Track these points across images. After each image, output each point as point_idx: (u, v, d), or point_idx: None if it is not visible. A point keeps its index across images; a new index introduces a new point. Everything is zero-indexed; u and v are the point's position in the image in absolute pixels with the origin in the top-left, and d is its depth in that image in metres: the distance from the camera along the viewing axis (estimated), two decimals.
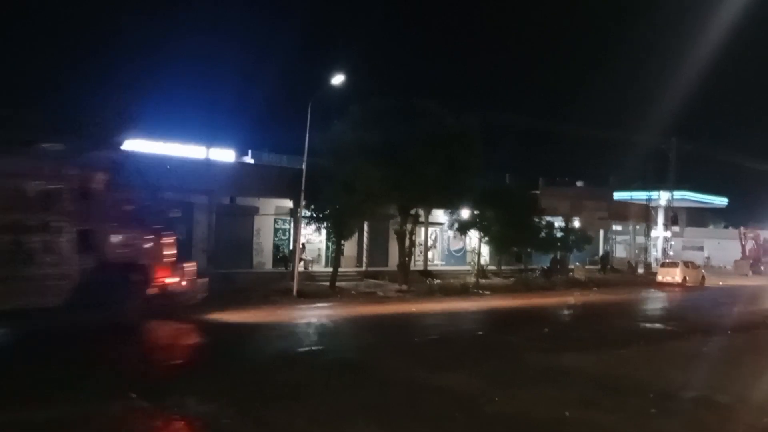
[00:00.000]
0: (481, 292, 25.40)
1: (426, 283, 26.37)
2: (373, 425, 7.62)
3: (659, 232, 45.00)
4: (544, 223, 31.60)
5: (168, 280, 13.71)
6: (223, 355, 11.64)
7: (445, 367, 10.89)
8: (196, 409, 7.97)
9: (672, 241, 46.03)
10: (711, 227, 59.72)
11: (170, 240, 14.00)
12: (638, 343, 14.28)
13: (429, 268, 30.74)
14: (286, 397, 8.69)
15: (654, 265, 40.97)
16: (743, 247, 48.84)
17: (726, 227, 58.45)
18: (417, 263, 30.24)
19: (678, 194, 43.96)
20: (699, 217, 56.83)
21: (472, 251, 32.13)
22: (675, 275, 33.33)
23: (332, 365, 11.02)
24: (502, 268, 33.18)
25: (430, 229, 33.36)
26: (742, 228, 50.58)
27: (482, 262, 30.77)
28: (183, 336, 13.62)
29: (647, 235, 45.67)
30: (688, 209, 51.70)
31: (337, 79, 21.82)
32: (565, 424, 7.87)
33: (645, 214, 45.26)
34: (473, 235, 30.46)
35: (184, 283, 14.07)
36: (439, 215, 31.88)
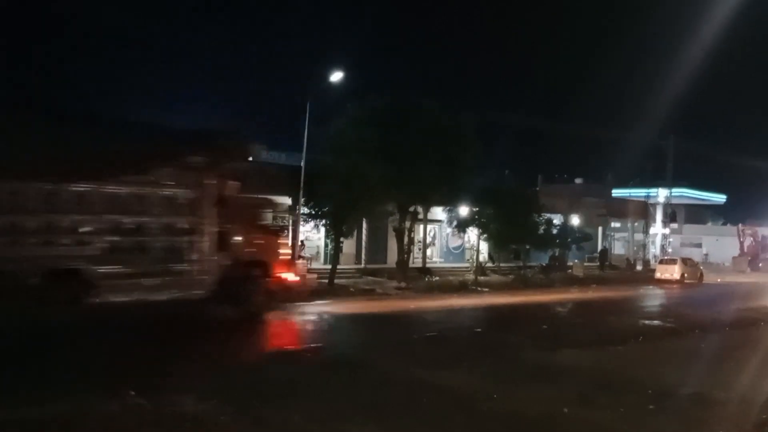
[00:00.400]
0: (479, 289, 25.43)
1: (424, 280, 26.41)
2: (371, 424, 7.63)
3: (658, 229, 45.03)
4: (542, 220, 31.63)
5: (284, 275, 16.10)
6: (218, 350, 11.64)
7: (444, 365, 10.91)
8: (193, 407, 7.97)
9: (670, 238, 46.05)
10: (709, 224, 59.79)
11: (285, 240, 16.92)
12: (636, 340, 14.31)
13: (427, 265, 30.77)
14: (284, 395, 8.70)
15: (652, 261, 41.02)
16: (741, 243, 48.91)
17: (724, 224, 58.53)
18: (416, 260, 30.26)
19: (676, 191, 44.00)
20: (697, 214, 56.89)
21: (471, 248, 32.14)
22: (673, 272, 33.40)
23: (330, 363, 11.03)
24: (501, 265, 33.21)
25: (429, 227, 33.38)
26: (740, 225, 50.65)
27: (481, 259, 30.79)
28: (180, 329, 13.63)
29: (646, 232, 45.69)
30: (687, 206, 51.76)
31: (336, 77, 21.83)
32: (563, 422, 7.89)
33: (643, 211, 45.30)
34: (472, 233, 30.48)
35: (297, 277, 16.81)
36: (438, 212, 31.89)
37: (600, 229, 45.46)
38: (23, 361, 9.71)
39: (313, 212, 24.26)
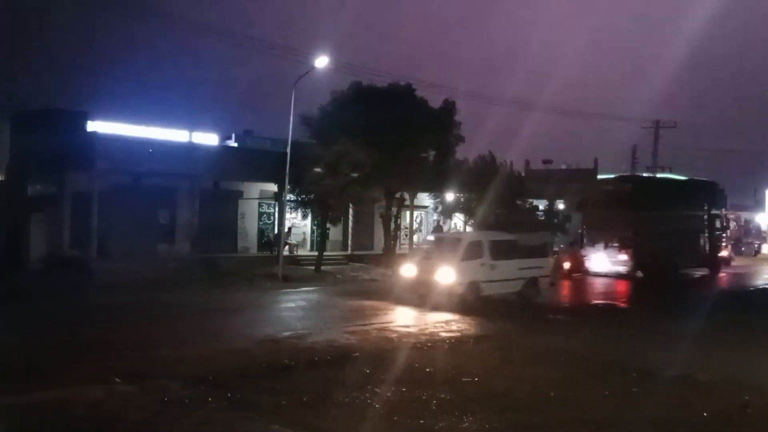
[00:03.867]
0: None
1: None
2: (357, 405, 7.66)
3: None
4: (528, 205, 31.71)
5: (721, 254, 30.09)
6: (205, 336, 11.61)
7: (429, 348, 10.94)
8: (180, 393, 7.93)
9: None
10: None
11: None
12: (622, 323, 14.44)
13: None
14: (273, 380, 8.69)
15: None
16: None
17: None
18: (403, 246, 30.26)
19: (661, 177, 44.25)
20: None
21: None
22: None
23: (318, 348, 11.03)
24: None
25: (416, 213, 33.37)
26: (723, 210, 51.11)
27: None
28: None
29: None
30: None
31: (321, 62, 21.66)
32: (549, 403, 7.94)
33: None
34: (458, 218, 30.49)
35: (726, 253, 31.21)
36: (425, 199, 31.89)
37: None
38: None
39: (300, 198, 24.17)
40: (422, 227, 35.92)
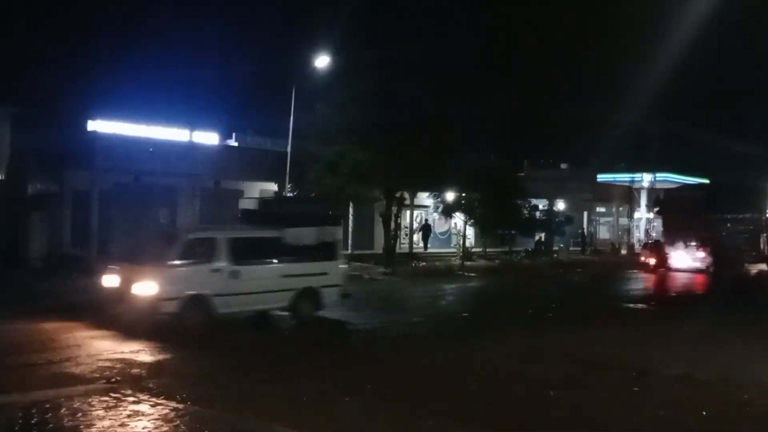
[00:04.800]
0: (465, 274, 25.49)
1: (411, 265, 26.42)
2: (358, 402, 7.68)
3: (642, 213, 45.38)
4: (528, 205, 31.75)
5: None
6: (208, 337, 11.63)
7: (430, 348, 10.96)
8: (181, 392, 7.94)
9: (654, 223, 46.37)
10: None
11: None
12: (621, 323, 14.45)
13: (414, 251, 30.72)
14: (273, 377, 8.72)
15: (637, 246, 41.33)
16: None
17: None
18: (402, 246, 30.27)
19: (660, 176, 44.35)
20: None
21: (458, 234, 32.21)
22: None
23: (319, 345, 11.06)
24: (487, 250, 33.30)
25: (416, 212, 33.39)
26: None
27: (467, 244, 30.85)
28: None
29: (630, 216, 46.02)
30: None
31: (322, 61, 21.68)
32: (548, 402, 7.96)
33: (628, 196, 45.63)
34: (458, 218, 30.53)
35: None
36: (424, 198, 31.91)
37: (585, 213, 45.72)
38: None
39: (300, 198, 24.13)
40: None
